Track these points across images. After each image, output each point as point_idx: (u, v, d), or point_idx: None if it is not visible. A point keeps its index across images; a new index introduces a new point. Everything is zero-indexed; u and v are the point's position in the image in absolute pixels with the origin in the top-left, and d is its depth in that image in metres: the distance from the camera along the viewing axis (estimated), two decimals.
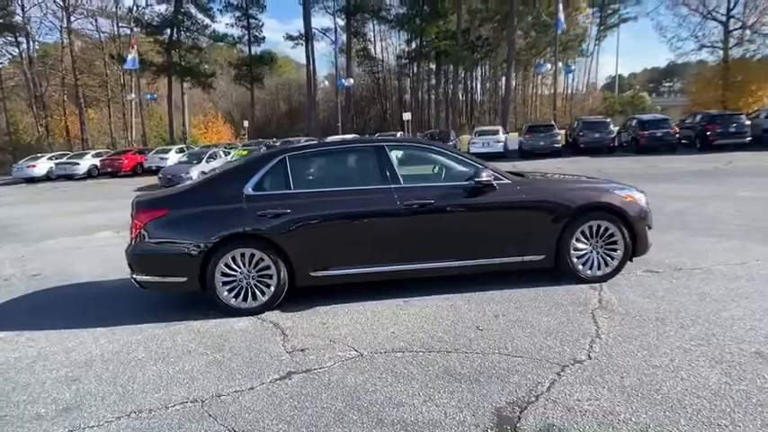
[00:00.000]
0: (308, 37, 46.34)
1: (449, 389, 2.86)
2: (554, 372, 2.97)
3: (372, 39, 52.17)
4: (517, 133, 28.05)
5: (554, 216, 4.50)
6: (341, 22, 45.96)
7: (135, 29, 41.77)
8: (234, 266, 4.29)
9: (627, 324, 3.62)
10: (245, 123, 40.76)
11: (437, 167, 4.80)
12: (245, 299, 4.34)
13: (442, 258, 4.48)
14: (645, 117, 23.33)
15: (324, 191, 4.49)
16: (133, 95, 41.91)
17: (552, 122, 25.21)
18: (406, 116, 49.72)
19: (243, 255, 4.29)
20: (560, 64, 32.15)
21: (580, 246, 4.56)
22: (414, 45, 40.64)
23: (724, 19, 30.25)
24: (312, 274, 4.37)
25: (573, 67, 37.82)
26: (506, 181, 4.56)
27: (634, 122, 22.86)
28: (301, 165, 4.57)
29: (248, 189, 4.41)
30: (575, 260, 4.56)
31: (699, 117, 22.55)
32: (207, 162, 20.87)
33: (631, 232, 4.56)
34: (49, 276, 6.27)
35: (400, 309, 4.25)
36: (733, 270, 4.74)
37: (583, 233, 4.55)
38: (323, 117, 50.61)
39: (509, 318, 3.88)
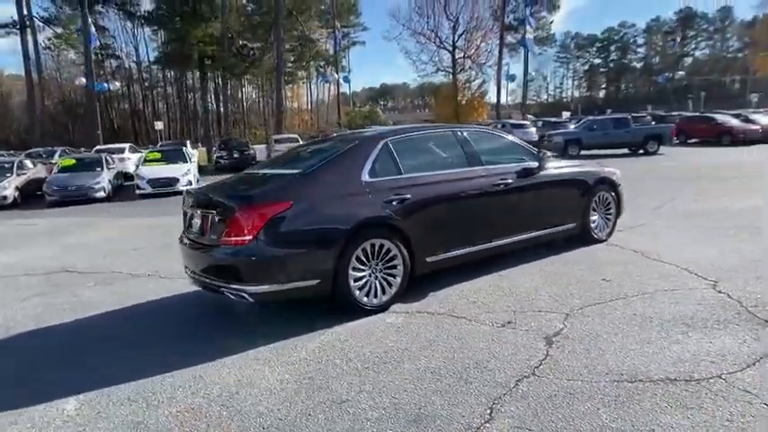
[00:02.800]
0: (23, 25, 38.00)
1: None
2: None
3: (119, 36, 45.80)
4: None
5: (582, 190, 5.48)
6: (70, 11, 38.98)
7: None
8: (363, 260, 3.92)
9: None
10: None
11: (499, 150, 5.22)
12: (375, 295, 4.00)
13: (518, 233, 4.96)
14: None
15: (431, 174, 4.45)
16: None
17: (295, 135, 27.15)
18: (158, 125, 45.35)
19: (372, 246, 3.96)
20: (335, 75, 34.27)
21: (594, 215, 5.66)
22: (173, 47, 37.44)
23: (451, 49, 37.42)
24: (428, 260, 4.31)
25: (330, 78, 40.81)
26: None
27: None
28: (403, 149, 4.42)
29: (365, 176, 4.08)
30: (592, 225, 5.64)
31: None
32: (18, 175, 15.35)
33: (617, 198, 5.89)
34: None
35: (505, 280, 4.57)
36: None
37: (595, 202, 5.66)
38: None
39: (594, 271, 4.66)
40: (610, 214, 5.83)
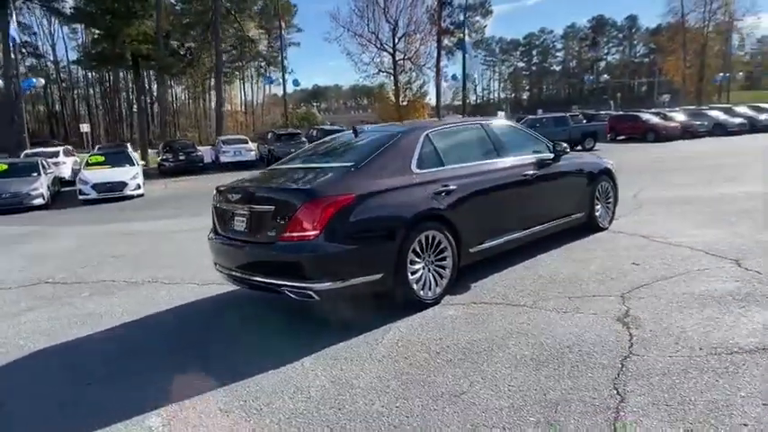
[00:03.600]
0: None
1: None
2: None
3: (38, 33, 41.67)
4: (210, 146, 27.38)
5: (588, 180, 5.72)
6: None
7: None
8: (419, 252, 3.86)
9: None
10: None
11: (520, 142, 5.30)
12: (429, 288, 3.95)
13: (543, 221, 5.08)
14: (327, 128, 26.42)
15: (470, 165, 4.46)
16: None
17: (299, 132, 26.58)
18: (84, 128, 42.22)
19: (426, 238, 3.90)
20: (281, 75, 33.26)
21: (597, 204, 5.92)
22: (103, 46, 34.91)
23: (392, 51, 37.72)
24: (471, 250, 4.31)
25: (274, 79, 39.80)
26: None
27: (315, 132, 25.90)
28: (442, 141, 4.39)
29: (414, 167, 4.02)
30: (597, 214, 5.89)
31: (315, 132, 26.59)
32: None
33: (615, 187, 6.19)
34: None
35: (539, 269, 4.67)
36: None
37: (598, 192, 5.92)
38: None
39: (617, 256, 4.87)
40: (609, 203, 6.12)
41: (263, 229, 3.65)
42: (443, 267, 4.04)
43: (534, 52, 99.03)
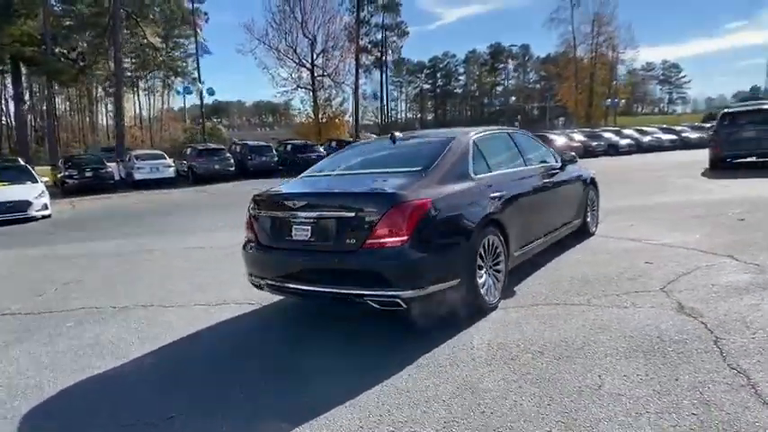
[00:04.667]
0: None
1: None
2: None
3: None
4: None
5: (583, 187, 6.14)
6: None
7: None
8: (483, 257, 3.90)
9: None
10: None
11: (536, 151, 5.53)
12: (491, 292, 3.99)
13: (560, 226, 5.38)
14: (251, 143, 25.84)
15: (511, 171, 4.61)
16: None
17: (222, 147, 25.46)
18: None
19: (487, 242, 3.95)
20: (197, 85, 31.47)
21: (588, 210, 6.36)
22: None
23: (311, 66, 37.66)
24: (515, 254, 4.43)
25: (192, 89, 37.69)
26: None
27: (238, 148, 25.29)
28: (485, 147, 4.47)
29: (471, 172, 4.07)
30: (588, 220, 6.33)
31: (289, 146, 26.68)
32: None
33: (598, 196, 6.71)
34: None
35: (565, 270, 4.91)
36: None
37: (589, 199, 6.36)
38: None
39: (624, 257, 5.28)
40: (595, 210, 6.61)
41: (338, 236, 3.47)
42: (499, 272, 4.10)
43: (438, 75, 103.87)
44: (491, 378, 2.89)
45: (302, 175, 4.65)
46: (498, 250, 4.07)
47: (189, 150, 24.35)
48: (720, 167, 13.63)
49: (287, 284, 3.78)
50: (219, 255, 6.90)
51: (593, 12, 48.36)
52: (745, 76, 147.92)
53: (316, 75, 37.69)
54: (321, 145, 27.38)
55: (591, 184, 6.43)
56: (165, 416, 2.78)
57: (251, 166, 23.81)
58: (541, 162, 5.35)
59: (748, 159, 13.65)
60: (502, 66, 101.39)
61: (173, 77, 47.47)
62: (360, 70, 40.50)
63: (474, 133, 4.52)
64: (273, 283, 3.88)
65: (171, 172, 21.78)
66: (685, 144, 30.24)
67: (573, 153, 5.98)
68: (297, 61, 37.32)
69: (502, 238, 4.11)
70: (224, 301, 4.81)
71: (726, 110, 14.50)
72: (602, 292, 4.24)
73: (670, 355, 2.98)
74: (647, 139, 30.87)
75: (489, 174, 4.29)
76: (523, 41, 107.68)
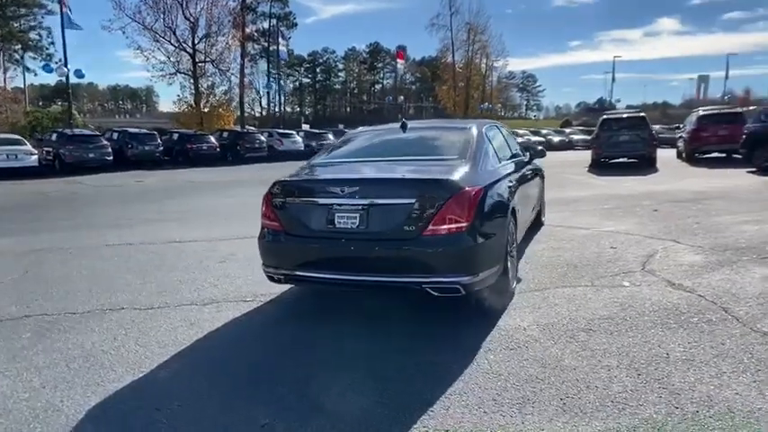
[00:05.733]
0: None
1: None
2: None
3: None
4: None
5: (540, 179, 6.62)
6: None
7: None
8: (509, 242, 4.05)
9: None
10: None
11: (513, 143, 5.80)
12: (513, 277, 4.16)
13: (532, 216, 5.75)
14: (131, 130, 23.90)
15: (510, 162, 4.80)
16: None
17: (97, 133, 22.57)
18: None
19: (510, 228, 4.12)
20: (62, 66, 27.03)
21: (542, 202, 6.88)
22: None
23: (192, 51, 35.00)
24: (518, 240, 4.67)
25: (53, 67, 32.45)
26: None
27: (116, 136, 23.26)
28: (491, 139, 4.61)
29: (496, 162, 4.22)
30: (541, 210, 6.85)
31: (175, 135, 25.06)
32: None
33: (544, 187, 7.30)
34: None
35: (545, 256, 5.30)
36: None
37: (542, 190, 6.88)
38: None
39: (586, 244, 5.85)
40: (543, 200, 7.18)
41: (395, 223, 3.36)
42: (513, 257, 4.29)
43: (318, 70, 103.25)
44: (569, 356, 3.04)
45: (314, 162, 4.39)
46: (514, 236, 4.26)
47: (54, 136, 21.24)
48: (599, 165, 15.60)
49: (322, 275, 3.57)
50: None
51: (468, 21, 51.96)
52: (586, 88, 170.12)
53: (198, 60, 35.18)
54: (212, 134, 25.70)
55: (542, 176, 6.96)
56: (258, 423, 2.48)
57: (132, 156, 21.64)
58: (522, 154, 5.68)
59: (621, 159, 15.80)
60: (380, 65, 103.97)
61: (17, 51, 40.86)
62: (245, 59, 38.62)
63: (480, 125, 4.64)
64: (305, 274, 3.63)
65: (33, 160, 18.83)
66: (571, 145, 34.33)
67: (541, 147, 6.43)
68: (176, 45, 34.50)
69: (515, 225, 4.31)
70: (240, 298, 4.39)
71: (605, 116, 16.60)
72: (597, 274, 4.65)
73: (700, 325, 3.40)
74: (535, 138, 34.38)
75: (501, 163, 4.46)
76: (400, 43, 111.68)
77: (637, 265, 4.88)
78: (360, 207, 3.43)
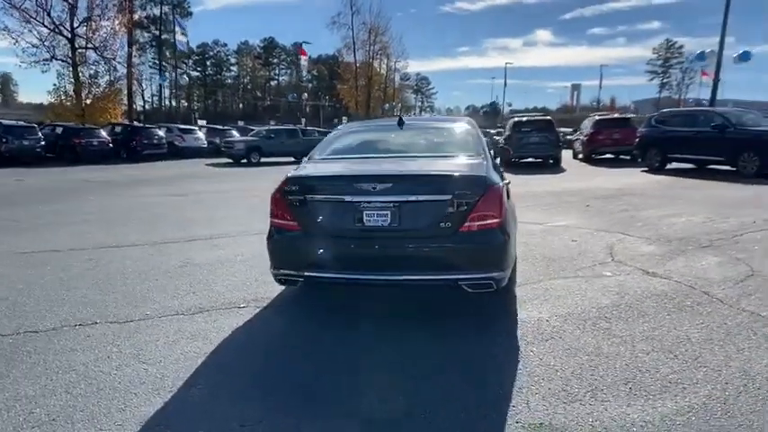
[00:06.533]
0: None
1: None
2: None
3: None
4: None
5: None
6: None
7: None
8: None
9: None
10: None
11: None
12: None
13: None
14: (5, 122, 20.80)
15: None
16: None
17: None
18: None
19: None
20: None
21: None
22: None
23: (70, 36, 31.23)
24: None
25: None
26: None
27: (60, 130, 20.91)
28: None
29: (497, 159, 4.32)
30: None
31: (59, 129, 22.48)
32: None
33: None
34: None
35: (521, 248, 5.54)
36: None
37: None
38: None
39: (542, 238, 6.24)
40: None
41: (430, 220, 3.29)
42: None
43: (208, 63, 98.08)
44: (605, 344, 3.22)
45: (319, 158, 4.15)
46: None
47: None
48: (511, 165, 16.68)
49: (349, 276, 3.40)
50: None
51: (366, 21, 52.55)
52: (473, 92, 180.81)
53: (78, 46, 31.51)
54: (103, 129, 23.22)
55: None
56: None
57: (6, 152, 18.88)
58: None
59: (529, 159, 17.04)
60: (275, 61, 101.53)
61: None
62: (134, 48, 35.37)
63: (469, 121, 4.71)
64: (329, 275, 3.44)
65: None
66: None
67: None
68: (51, 27, 30.58)
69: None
70: (232, 304, 3.99)
71: (516, 119, 17.77)
72: (576, 266, 4.97)
73: (696, 308, 3.78)
74: None
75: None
76: (296, 40, 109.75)
77: (604, 255, 5.29)
78: (392, 204, 3.32)
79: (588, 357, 3.04)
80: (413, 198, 3.32)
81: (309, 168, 3.86)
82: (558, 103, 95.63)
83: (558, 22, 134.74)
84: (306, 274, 3.49)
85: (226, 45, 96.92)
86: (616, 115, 20.40)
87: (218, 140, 25.73)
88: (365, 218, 3.34)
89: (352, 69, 53.31)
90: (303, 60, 41.92)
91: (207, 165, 21.22)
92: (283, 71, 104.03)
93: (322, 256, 3.43)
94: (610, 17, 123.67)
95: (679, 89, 79.15)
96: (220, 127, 29.49)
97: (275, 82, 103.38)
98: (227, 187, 13.01)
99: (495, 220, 3.34)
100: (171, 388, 2.79)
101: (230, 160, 22.29)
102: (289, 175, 3.64)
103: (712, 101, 20.57)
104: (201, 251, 5.91)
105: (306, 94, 58.62)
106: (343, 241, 3.40)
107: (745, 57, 21.78)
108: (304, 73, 51.12)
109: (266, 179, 14.24)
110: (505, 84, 65.80)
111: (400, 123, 4.52)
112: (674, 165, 14.01)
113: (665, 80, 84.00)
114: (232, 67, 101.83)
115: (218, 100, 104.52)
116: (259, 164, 21.62)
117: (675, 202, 8.68)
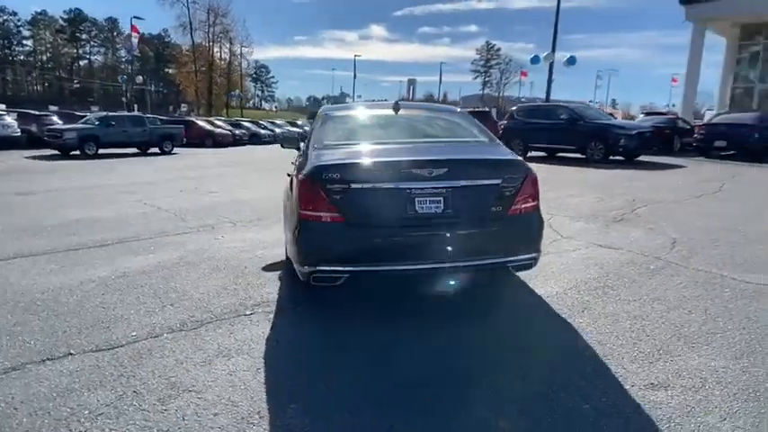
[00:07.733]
0: None
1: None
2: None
3: None
4: None
5: None
6: None
7: None
8: None
9: None
10: None
11: None
12: None
13: None
14: None
15: None
16: None
17: None
18: None
19: None
20: None
21: None
22: None
23: None
24: None
25: None
26: None
27: None
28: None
29: None
30: None
31: None
32: None
33: None
34: None
35: None
36: None
37: None
38: None
39: None
40: None
41: (482, 204, 3.29)
42: None
43: None
44: (630, 308, 3.61)
45: (330, 143, 3.78)
46: None
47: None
48: None
49: (401, 267, 3.24)
50: None
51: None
52: (311, 82, 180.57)
53: None
54: None
55: None
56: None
57: None
58: None
59: None
60: (85, 37, 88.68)
61: None
62: None
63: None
64: (380, 268, 3.23)
65: None
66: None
67: None
68: None
69: None
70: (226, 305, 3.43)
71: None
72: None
73: (665, 271, 4.44)
74: (279, 130, 34.52)
75: None
76: (111, 14, 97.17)
77: (551, 233, 5.85)
78: (444, 189, 3.24)
79: (632, 321, 3.39)
80: (464, 183, 3.28)
81: (340, 155, 3.52)
82: (398, 96, 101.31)
83: (390, 18, 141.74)
84: (351, 268, 3.21)
85: (16, 14, 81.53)
86: (478, 108, 22.26)
87: (34, 128, 21.66)
88: (417, 205, 3.21)
89: (189, 52, 49.06)
90: (134, 37, 37.16)
91: (28, 158, 17.67)
92: (95, 49, 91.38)
93: (373, 247, 3.20)
94: (436, 18, 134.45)
95: (498, 87, 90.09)
96: (36, 112, 24.66)
97: (85, 62, 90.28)
98: (79, 184, 11.04)
99: (535, 203, 3.50)
100: (262, 413, 2.36)
101: (57, 152, 18.91)
102: (323, 162, 3.30)
103: (547, 99, 23.90)
104: (127, 257, 4.96)
105: (141, 77, 52.19)
106: (395, 230, 3.21)
107: (571, 61, 25.64)
108: (136, 52, 45.21)
109: (116, 173, 12.39)
110: (355, 75, 66.38)
111: (396, 110, 4.38)
112: (533, 153, 15.92)
113: (486, 78, 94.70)
114: (25, 42, 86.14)
115: (8, 80, 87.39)
116: (97, 156, 18.77)
117: (561, 184, 9.91)
